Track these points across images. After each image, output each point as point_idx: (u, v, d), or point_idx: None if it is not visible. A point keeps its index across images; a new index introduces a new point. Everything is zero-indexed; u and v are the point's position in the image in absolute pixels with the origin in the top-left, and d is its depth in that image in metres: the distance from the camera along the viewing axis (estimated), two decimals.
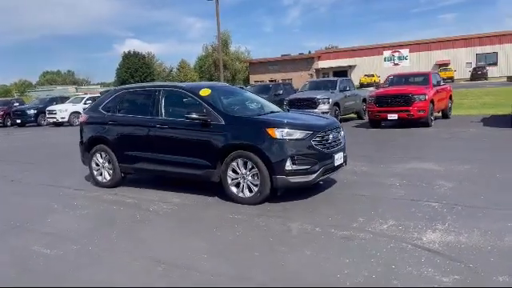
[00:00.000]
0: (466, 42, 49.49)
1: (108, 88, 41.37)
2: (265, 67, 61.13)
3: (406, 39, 55.10)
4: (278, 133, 5.48)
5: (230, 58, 61.47)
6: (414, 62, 51.18)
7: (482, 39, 49.10)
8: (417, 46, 51.45)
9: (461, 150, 9.11)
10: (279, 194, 5.72)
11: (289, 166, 5.40)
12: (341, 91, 16.45)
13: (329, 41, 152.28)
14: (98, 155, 7.23)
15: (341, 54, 56.43)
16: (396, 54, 52.55)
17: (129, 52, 65.60)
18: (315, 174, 5.51)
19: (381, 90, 14.71)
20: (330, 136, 5.85)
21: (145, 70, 64.87)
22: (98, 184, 7.31)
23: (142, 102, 6.95)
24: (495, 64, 49.57)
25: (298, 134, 5.51)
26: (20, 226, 5.35)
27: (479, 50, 49.66)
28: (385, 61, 53.01)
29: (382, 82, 30.73)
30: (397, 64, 52.06)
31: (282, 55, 61.65)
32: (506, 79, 42.39)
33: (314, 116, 6.87)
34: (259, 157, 5.50)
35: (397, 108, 13.36)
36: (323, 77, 55.98)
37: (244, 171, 5.66)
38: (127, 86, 7.55)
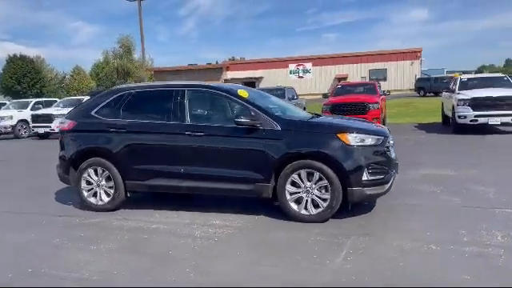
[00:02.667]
0: (361, 58, 53.70)
1: None
2: (171, 76, 59.09)
3: (292, 54, 58.27)
4: (351, 138, 4.85)
5: (135, 66, 58.26)
6: (316, 76, 53.99)
7: (374, 56, 53.70)
8: (319, 61, 54.35)
9: (443, 155, 9.43)
10: (349, 208, 5.07)
11: (365, 176, 4.80)
12: (289, 99, 16.28)
13: (226, 53, 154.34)
14: (91, 171, 5.81)
15: (249, 65, 57.11)
16: (300, 68, 54.87)
17: (14, 55, 58.24)
18: (388, 184, 5.00)
19: (335, 98, 14.84)
20: (391, 142, 5.40)
21: (34, 76, 58.14)
22: (89, 207, 5.87)
23: (159, 104, 5.76)
24: (385, 79, 54.48)
25: (370, 140, 4.94)
26: (36, 273, 3.89)
27: (371, 66, 54.25)
28: (290, 73, 54.97)
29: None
30: (301, 77, 54.36)
31: (189, 64, 60.35)
32: (395, 92, 46.80)
33: (364, 122, 6.36)
34: (329, 166, 4.81)
35: (353, 116, 13.52)
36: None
37: (309, 184, 4.91)
38: (132, 85, 6.22)
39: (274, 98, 6.57)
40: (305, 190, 4.93)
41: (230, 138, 5.18)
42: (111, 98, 5.92)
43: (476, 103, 12.75)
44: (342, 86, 16.33)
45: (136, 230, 4.99)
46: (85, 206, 5.95)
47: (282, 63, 55.39)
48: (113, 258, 4.17)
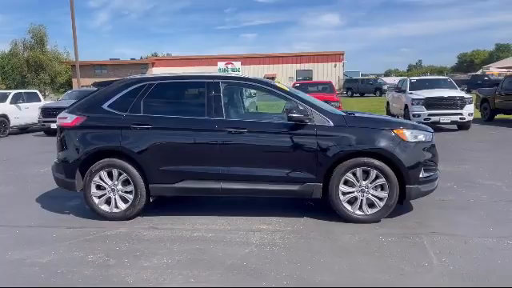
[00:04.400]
0: (289, 59, 55.07)
1: None
2: (91, 71, 55.41)
3: (212, 53, 58.19)
4: (408, 134, 4.74)
5: (48, 58, 53.62)
6: (245, 74, 54.38)
7: (301, 57, 55.35)
8: (248, 60, 54.61)
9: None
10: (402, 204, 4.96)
11: (422, 173, 4.72)
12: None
13: (142, 49, 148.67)
14: (105, 175, 5.04)
15: (176, 62, 55.49)
16: (229, 66, 54.51)
17: None
18: (437, 181, 4.97)
19: None
20: None
21: None
22: (101, 215, 5.09)
23: (188, 97, 5.18)
24: (311, 79, 56.42)
25: (422, 136, 4.87)
26: None
27: (298, 66, 55.89)
28: (219, 71, 54.51)
29: None
30: None
31: (111, 59, 57.01)
32: None
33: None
34: (387, 164, 4.65)
35: None
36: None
37: (364, 183, 4.70)
38: (152, 75, 5.45)
39: (302, 93, 6.26)
40: (359, 189, 4.72)
41: (278, 135, 4.79)
42: (128, 90, 5.18)
43: (429, 103, 13.57)
44: (301, 85, 16.43)
45: (181, 240, 4.39)
46: (91, 214, 5.15)
47: (210, 61, 54.65)
48: (184, 274, 3.59)
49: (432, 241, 4.16)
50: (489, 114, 16.42)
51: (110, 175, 5.06)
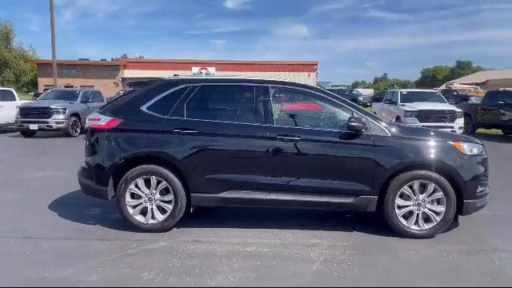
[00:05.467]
0: (264, 66, 55.17)
1: None
2: (59, 70, 53.32)
3: (181, 58, 57.51)
4: (466, 147, 4.63)
5: (14, 56, 51.26)
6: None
7: (275, 66, 55.61)
8: (223, 66, 54.24)
9: None
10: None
11: (479, 187, 4.62)
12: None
13: (108, 50, 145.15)
14: (141, 182, 4.64)
15: (148, 64, 54.31)
16: (204, 71, 54.12)
17: None
18: (488, 196, 4.89)
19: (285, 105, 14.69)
20: None
21: None
22: (135, 227, 4.67)
23: (235, 102, 4.87)
24: None
25: (476, 150, 4.77)
26: None
27: (273, 74, 56.00)
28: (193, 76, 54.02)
29: None
30: None
31: (81, 59, 55.14)
32: None
33: None
34: (446, 177, 4.52)
35: None
36: (129, 87, 52.97)
37: (421, 196, 4.55)
38: (194, 77, 5.07)
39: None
40: (416, 203, 4.55)
41: (333, 144, 4.56)
42: (169, 92, 4.80)
43: (422, 115, 13.79)
44: None
45: (236, 256, 4.06)
46: (119, 224, 4.74)
47: (184, 65, 53.90)
48: None
49: (504, 259, 4.03)
50: (471, 127, 16.88)
51: (147, 183, 4.66)
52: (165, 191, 4.67)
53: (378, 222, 4.84)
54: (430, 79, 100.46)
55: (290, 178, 4.58)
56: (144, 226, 4.66)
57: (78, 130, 15.80)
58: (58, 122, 14.89)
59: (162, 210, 4.68)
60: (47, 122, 14.79)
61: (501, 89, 17.62)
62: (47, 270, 3.70)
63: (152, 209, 4.68)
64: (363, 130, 4.52)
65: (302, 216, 5.29)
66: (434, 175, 4.50)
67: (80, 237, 4.54)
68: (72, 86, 44.99)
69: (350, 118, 4.47)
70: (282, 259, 3.99)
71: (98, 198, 4.91)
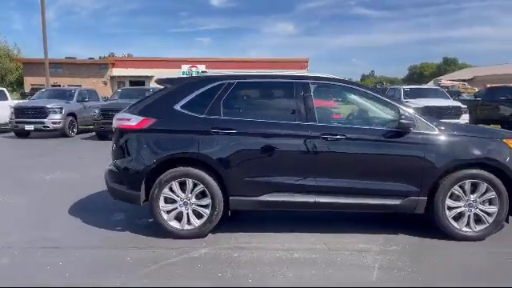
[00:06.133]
0: (254, 64, 54.78)
1: None
2: (44, 69, 52.43)
3: (167, 56, 56.62)
4: None
5: None
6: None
7: (266, 63, 55.29)
8: (213, 64, 53.61)
9: None
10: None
11: None
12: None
13: (93, 48, 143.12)
14: (176, 186, 4.34)
15: (138, 63, 53.50)
16: (194, 69, 53.50)
17: None
18: None
19: None
20: None
21: None
22: (169, 233, 4.38)
23: (274, 99, 4.61)
24: None
25: None
26: None
27: (263, 72, 55.75)
28: (183, 74, 53.25)
29: None
30: None
31: (67, 57, 54.04)
32: None
33: None
34: (498, 176, 4.32)
35: None
36: (118, 85, 52.29)
37: (473, 197, 4.34)
38: (230, 74, 4.75)
39: None
40: (467, 204, 4.35)
41: (380, 143, 4.33)
42: (203, 89, 4.51)
43: (427, 111, 13.67)
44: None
45: (287, 263, 3.80)
46: (150, 231, 4.46)
47: (174, 63, 53.15)
48: None
49: None
50: (472, 123, 16.87)
51: (182, 186, 4.37)
52: (200, 195, 4.38)
53: (417, 223, 4.65)
54: (417, 76, 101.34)
55: (335, 179, 4.34)
56: (179, 233, 4.37)
57: (75, 130, 15.35)
58: (55, 122, 14.41)
59: (198, 215, 4.40)
60: (43, 123, 14.31)
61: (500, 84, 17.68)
62: (90, 282, 3.39)
63: (188, 214, 4.39)
64: (412, 128, 4.30)
65: (338, 218, 5.06)
66: (487, 174, 4.30)
67: (113, 245, 4.22)
68: (59, 85, 44.09)
69: (400, 115, 4.24)
70: (336, 267, 3.74)
71: (128, 203, 4.61)
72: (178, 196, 4.37)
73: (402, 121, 4.20)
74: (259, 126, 4.36)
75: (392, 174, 4.33)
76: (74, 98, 15.91)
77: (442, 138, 4.33)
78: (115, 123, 4.60)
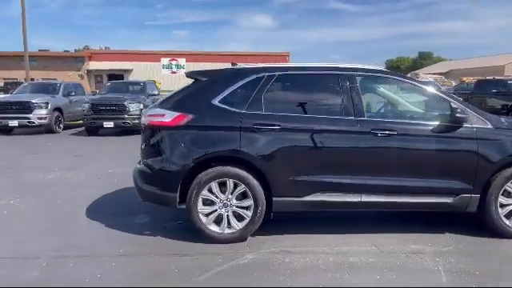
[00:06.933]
0: (234, 58, 53.86)
1: None
2: (17, 62, 50.44)
3: (143, 49, 55.27)
4: None
5: None
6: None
7: (246, 57, 54.58)
8: (193, 57, 52.88)
9: None
10: None
11: None
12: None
13: (66, 41, 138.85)
14: (215, 186, 4.03)
15: (116, 56, 52.05)
16: (174, 62, 52.65)
17: None
18: None
19: None
20: None
21: None
22: (208, 238, 4.07)
23: (319, 92, 4.31)
24: None
25: None
26: None
27: (243, 66, 55.40)
28: (163, 68, 52.29)
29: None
30: (174, 72, 52.14)
31: (41, 50, 52.23)
32: None
33: None
34: None
35: None
36: (97, 80, 50.96)
37: None
38: (270, 65, 4.40)
39: None
40: None
41: (433, 139, 4.11)
42: (242, 83, 4.19)
43: None
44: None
45: (345, 268, 3.55)
46: (181, 235, 4.16)
47: (153, 56, 52.28)
48: None
49: None
50: None
51: (222, 187, 4.05)
52: (241, 196, 4.08)
53: (457, 221, 4.53)
54: (394, 70, 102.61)
55: (385, 177, 4.11)
56: (220, 237, 4.06)
57: (62, 126, 14.67)
58: (41, 118, 13.70)
59: (239, 217, 4.09)
60: (28, 118, 13.58)
61: (489, 77, 17.91)
62: None
63: (228, 216, 4.08)
64: (465, 122, 4.10)
65: (377, 218, 4.87)
66: None
67: (150, 252, 3.88)
68: (33, 79, 42.52)
69: (454, 108, 4.03)
70: (399, 271, 3.52)
71: (163, 205, 4.28)
72: (217, 197, 4.05)
73: (457, 114, 3.99)
74: (304, 122, 4.08)
75: (444, 170, 4.13)
76: (60, 92, 15.17)
77: (497, 132, 4.15)
78: (146, 119, 4.23)
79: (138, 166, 4.37)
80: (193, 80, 4.53)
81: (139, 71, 50.68)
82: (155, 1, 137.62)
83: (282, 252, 3.89)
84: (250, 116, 4.04)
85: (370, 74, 4.37)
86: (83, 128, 14.32)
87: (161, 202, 4.18)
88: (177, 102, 4.20)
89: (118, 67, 49.88)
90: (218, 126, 4.05)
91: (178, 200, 4.08)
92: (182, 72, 51.61)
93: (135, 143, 11.70)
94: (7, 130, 14.00)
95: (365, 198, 4.11)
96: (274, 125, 4.02)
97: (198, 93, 4.21)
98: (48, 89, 15.61)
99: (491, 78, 17.84)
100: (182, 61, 52.52)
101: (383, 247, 4.01)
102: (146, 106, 13.75)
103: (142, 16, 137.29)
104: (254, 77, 4.20)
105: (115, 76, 47.26)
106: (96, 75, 50.83)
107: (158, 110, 4.17)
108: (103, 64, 50.65)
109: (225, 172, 4.01)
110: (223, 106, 4.09)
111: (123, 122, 13.10)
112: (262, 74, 4.21)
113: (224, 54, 53.65)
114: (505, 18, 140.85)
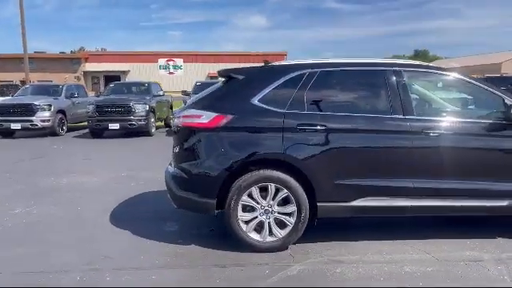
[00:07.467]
0: (233, 57, 53.68)
1: None
2: (15, 64, 49.99)
3: (138, 50, 54.63)
4: None
5: None
6: (187, 72, 52.05)
7: (245, 57, 54.43)
8: (191, 57, 52.54)
9: None
10: None
11: None
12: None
13: (62, 43, 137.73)
14: (256, 191, 3.76)
15: (113, 57, 51.54)
16: (171, 63, 52.23)
17: None
18: None
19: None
20: None
21: None
22: (248, 246, 3.80)
23: (363, 90, 4.07)
24: None
25: None
26: None
27: (242, 66, 54.98)
28: (160, 69, 51.86)
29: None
30: (172, 73, 51.77)
31: (36, 52, 51.65)
32: None
33: None
34: None
35: None
36: (93, 81, 50.52)
37: None
38: (311, 62, 4.13)
39: None
40: None
41: (488, 138, 3.87)
42: (283, 80, 3.92)
43: None
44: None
45: (407, 280, 3.29)
46: (215, 242, 3.90)
47: (151, 57, 51.83)
48: None
49: None
50: None
51: (263, 192, 3.78)
52: (282, 201, 3.81)
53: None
54: None
55: (437, 180, 3.86)
56: (261, 245, 3.79)
57: (65, 129, 14.34)
58: (44, 120, 13.37)
59: (280, 224, 3.83)
60: (31, 121, 13.25)
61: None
62: None
63: (269, 223, 3.81)
64: None
65: (421, 223, 4.60)
66: None
67: (189, 264, 3.60)
68: (29, 81, 42.01)
69: (508, 106, 3.79)
70: (464, 281, 3.26)
71: (199, 213, 4.01)
72: (258, 203, 3.78)
73: (511, 111, 3.75)
74: (351, 121, 3.81)
75: (499, 172, 3.89)
76: (63, 94, 14.84)
77: None
78: (181, 121, 3.94)
79: (171, 170, 4.09)
80: (224, 79, 4.26)
81: (136, 72, 50.29)
82: (150, 1, 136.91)
83: (330, 262, 3.63)
84: (292, 116, 3.78)
85: (419, 69, 4.12)
86: (86, 130, 14.03)
87: (198, 208, 3.91)
88: (213, 102, 3.93)
89: (115, 68, 49.43)
90: (259, 127, 3.78)
91: (213, 206, 3.81)
92: (180, 72, 51.48)
93: (142, 145, 11.50)
94: (9, 133, 13.67)
95: (415, 203, 3.85)
96: (319, 125, 3.75)
97: (235, 92, 3.94)
98: (50, 91, 15.26)
99: (498, 75, 17.66)
100: (179, 61, 52.12)
101: (436, 254, 3.76)
102: (151, 108, 13.50)
103: (136, 17, 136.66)
104: (295, 74, 3.93)
105: (112, 77, 46.82)
106: (93, 77, 50.37)
107: (195, 111, 3.88)
108: (100, 65, 50.20)
109: (267, 176, 3.75)
110: (263, 105, 3.82)
111: (129, 124, 12.81)
112: (303, 71, 3.94)
113: (222, 54, 53.49)
114: (498, 18, 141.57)
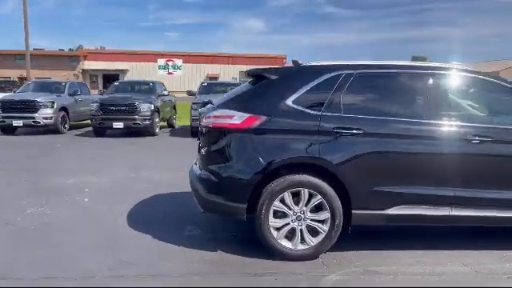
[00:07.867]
0: (232, 59, 53.80)
1: None
2: (12, 61, 49.68)
3: (135, 50, 54.00)
4: None
5: None
6: (187, 73, 51.85)
7: (244, 59, 54.40)
8: (190, 58, 52.35)
9: None
10: None
11: None
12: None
13: (60, 41, 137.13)
14: (289, 197, 3.58)
15: (112, 55, 51.25)
16: (170, 63, 52.03)
17: None
18: None
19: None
20: None
21: None
22: (279, 254, 3.62)
23: (402, 93, 3.90)
24: None
25: None
26: None
27: (240, 67, 54.79)
28: (159, 68, 51.63)
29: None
30: (171, 73, 51.52)
31: (35, 49, 51.15)
32: None
33: None
34: None
35: None
36: (92, 80, 50.19)
37: None
38: (348, 63, 3.93)
39: None
40: None
41: None
42: (318, 82, 3.74)
43: None
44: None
45: None
46: (243, 250, 3.74)
47: (150, 56, 51.62)
48: None
49: None
50: None
51: (295, 198, 3.60)
52: (315, 208, 3.63)
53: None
54: None
55: (477, 189, 3.69)
56: (293, 253, 3.61)
57: (67, 126, 14.07)
58: (46, 118, 13.09)
59: (313, 232, 3.65)
60: (34, 118, 12.97)
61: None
62: None
63: (301, 230, 3.63)
64: None
65: (453, 232, 4.43)
66: None
67: (217, 271, 3.42)
68: (26, 78, 41.64)
69: None
70: None
71: (228, 217, 3.84)
72: (290, 209, 3.60)
73: None
74: (389, 126, 3.64)
75: None
76: (66, 92, 14.56)
77: None
78: (210, 121, 3.76)
79: (197, 171, 3.90)
80: (253, 78, 4.08)
81: (135, 72, 50.02)
82: (147, 2, 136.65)
83: (367, 272, 3.45)
84: (328, 119, 3.60)
85: (460, 73, 3.95)
86: (88, 128, 13.80)
87: (227, 213, 3.72)
88: (245, 102, 3.74)
89: (114, 67, 49.15)
90: (293, 129, 3.60)
91: (243, 211, 3.62)
92: (179, 73, 51.20)
93: (148, 145, 11.29)
94: (11, 130, 13.39)
95: (455, 212, 3.69)
96: (356, 129, 3.58)
97: (268, 92, 3.75)
98: (53, 88, 15.00)
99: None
100: (178, 62, 51.90)
101: (476, 267, 3.59)
102: (156, 107, 13.29)
103: (133, 17, 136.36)
104: (331, 75, 3.76)
105: (111, 76, 46.56)
106: (91, 75, 50.02)
107: (227, 111, 3.69)
108: (99, 64, 49.90)
109: (300, 181, 3.57)
110: (298, 107, 3.64)
111: (133, 123, 12.58)
112: (340, 72, 3.76)
113: (221, 55, 53.29)
114: (497, 27, 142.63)
